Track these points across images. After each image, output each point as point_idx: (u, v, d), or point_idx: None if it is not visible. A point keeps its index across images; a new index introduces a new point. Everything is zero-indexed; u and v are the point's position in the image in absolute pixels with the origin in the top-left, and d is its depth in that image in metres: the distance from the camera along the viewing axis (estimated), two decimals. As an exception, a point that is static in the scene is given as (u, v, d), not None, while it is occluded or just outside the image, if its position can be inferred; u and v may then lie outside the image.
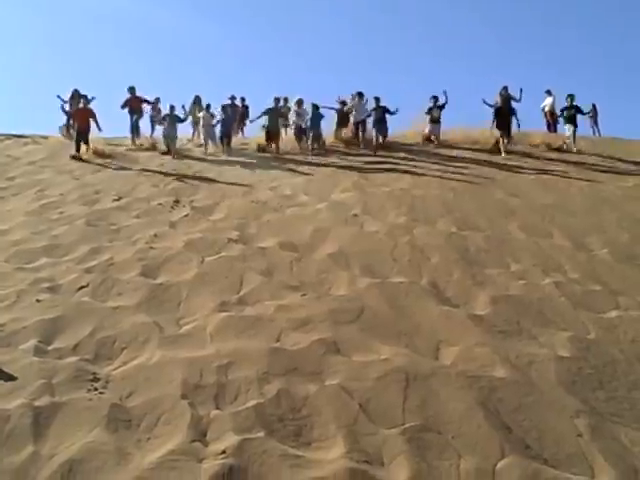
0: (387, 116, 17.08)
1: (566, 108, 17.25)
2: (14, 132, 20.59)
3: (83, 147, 16.27)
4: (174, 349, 5.44)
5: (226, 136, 16.75)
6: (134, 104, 18.10)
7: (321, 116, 17.19)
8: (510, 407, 4.47)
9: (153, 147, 17.31)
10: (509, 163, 15.03)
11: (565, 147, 16.88)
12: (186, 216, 10.43)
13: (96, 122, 16.34)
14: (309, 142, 16.72)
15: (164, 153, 16.49)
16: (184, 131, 18.37)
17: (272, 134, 16.82)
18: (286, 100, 18.62)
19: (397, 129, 18.10)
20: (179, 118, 16.95)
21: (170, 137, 16.59)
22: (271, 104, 17.56)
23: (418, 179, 13.23)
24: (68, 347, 5.59)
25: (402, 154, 16.00)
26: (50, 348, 5.58)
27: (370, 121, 17.48)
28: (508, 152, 16.09)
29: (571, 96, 17.12)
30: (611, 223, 10.15)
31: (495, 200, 11.54)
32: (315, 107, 17.09)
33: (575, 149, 16.58)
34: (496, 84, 16.78)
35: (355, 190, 12.15)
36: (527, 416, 4.36)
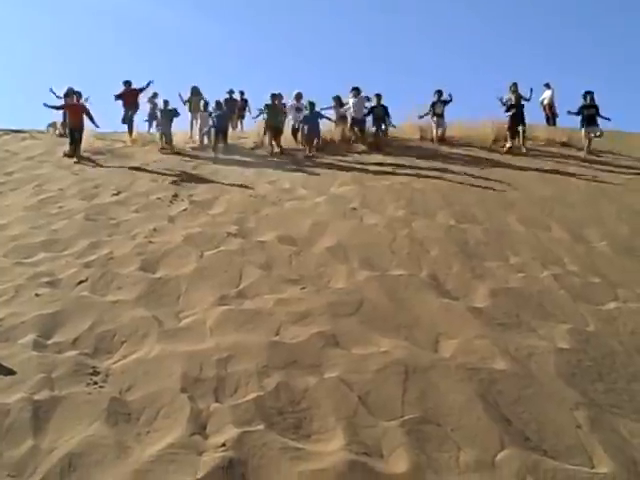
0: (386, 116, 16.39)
1: (585, 106, 15.48)
2: (12, 127, 20.54)
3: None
4: (173, 343, 5.44)
5: (221, 132, 16.01)
6: (129, 98, 17.36)
7: (319, 115, 16.16)
8: (510, 399, 4.47)
9: (149, 143, 16.95)
10: (509, 158, 14.92)
11: (586, 148, 15.34)
12: (185, 210, 10.41)
13: (90, 118, 15.73)
14: (305, 140, 15.85)
15: (161, 149, 16.13)
16: (183, 127, 17.99)
17: (272, 131, 15.89)
18: (281, 96, 17.58)
19: (394, 123, 17.60)
20: (174, 113, 16.56)
21: (165, 133, 16.23)
22: (268, 100, 16.61)
23: (417, 172, 13.20)
24: (67, 341, 5.59)
25: (400, 148, 15.88)
26: (49, 342, 5.58)
27: (369, 120, 16.63)
28: (517, 152, 15.28)
29: (590, 93, 15.52)
30: (610, 215, 10.15)
31: (494, 193, 11.53)
32: (312, 105, 16.04)
33: (587, 150, 15.29)
34: (494, 79, 16.54)
35: (354, 184, 12.12)
36: (527, 408, 4.36)
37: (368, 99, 16.65)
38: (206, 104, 16.87)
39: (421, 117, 16.87)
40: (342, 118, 16.98)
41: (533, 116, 17.18)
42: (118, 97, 17.32)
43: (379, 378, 4.72)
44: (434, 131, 16.87)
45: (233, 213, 10.11)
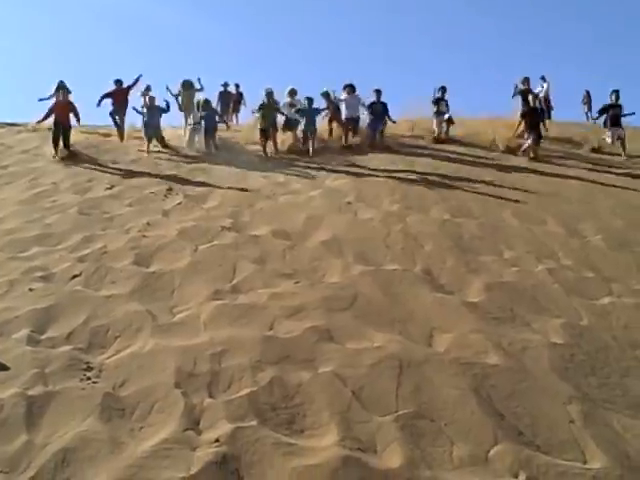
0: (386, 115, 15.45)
1: (611, 106, 14.76)
2: (8, 120, 20.43)
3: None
4: (167, 337, 5.43)
5: (210, 130, 15.25)
6: (119, 96, 16.41)
7: (317, 111, 15.29)
8: (503, 393, 4.48)
9: (141, 138, 16.33)
10: (507, 155, 14.81)
11: (612, 146, 14.66)
12: (179, 204, 10.39)
13: (76, 115, 15.10)
14: (301, 139, 15.08)
15: (149, 151, 15.16)
16: (171, 123, 17.51)
17: (268, 133, 14.78)
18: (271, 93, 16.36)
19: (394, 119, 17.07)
20: (162, 109, 15.74)
21: (152, 127, 15.37)
22: (264, 98, 15.46)
23: (413, 168, 13.19)
24: (61, 336, 5.58)
25: (395, 144, 15.71)
26: (43, 337, 5.57)
27: (364, 117, 15.68)
28: (535, 157, 14.14)
29: (616, 92, 14.76)
30: (605, 210, 10.16)
31: (489, 188, 11.52)
32: (310, 101, 15.17)
33: (624, 155, 14.44)
34: (494, 77, 16.30)
35: (349, 178, 12.11)
36: (520, 402, 4.38)
37: (363, 104, 15.64)
38: (199, 102, 15.96)
39: (440, 114, 15.90)
40: (335, 115, 15.98)
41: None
42: (107, 96, 16.47)
43: (373, 373, 4.72)
44: (436, 129, 16.01)
45: (227, 207, 10.08)
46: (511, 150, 14.83)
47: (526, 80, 16.26)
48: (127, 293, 6.53)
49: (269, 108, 15.13)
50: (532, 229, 8.93)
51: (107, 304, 6.24)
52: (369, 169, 12.94)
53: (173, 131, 16.92)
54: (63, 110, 14.97)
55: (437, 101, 15.97)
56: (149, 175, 12.71)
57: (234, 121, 20.06)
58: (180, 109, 16.56)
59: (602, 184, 12.03)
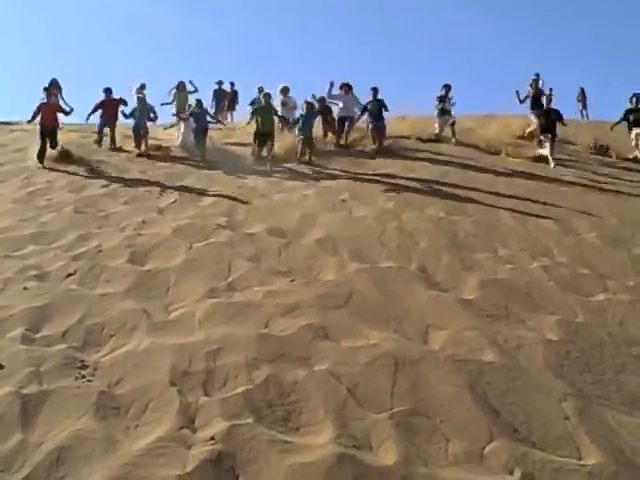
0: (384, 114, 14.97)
1: (631, 110, 14.48)
2: (1, 119, 20.40)
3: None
4: (162, 336, 5.42)
5: (201, 132, 14.79)
6: (109, 107, 15.60)
7: (315, 115, 14.70)
8: (498, 391, 4.48)
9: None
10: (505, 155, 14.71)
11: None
12: (174, 202, 10.39)
13: (64, 113, 14.81)
14: (299, 147, 13.95)
15: (138, 154, 14.80)
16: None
17: (266, 139, 14.02)
18: (260, 90, 16.55)
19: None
20: (150, 114, 15.32)
21: (142, 128, 14.93)
22: (260, 99, 15.29)
23: (407, 165, 13.19)
24: (56, 335, 5.55)
25: (394, 144, 15.53)
26: (38, 336, 5.55)
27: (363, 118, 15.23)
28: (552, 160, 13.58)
29: (637, 96, 14.39)
30: (600, 208, 10.18)
31: (485, 185, 11.54)
32: (309, 105, 14.50)
33: None
34: (494, 77, 16.10)
35: (343, 176, 12.12)
36: (515, 399, 4.38)
37: (359, 104, 15.24)
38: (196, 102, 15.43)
39: (444, 113, 15.68)
40: (326, 117, 15.49)
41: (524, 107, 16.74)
42: (98, 107, 15.63)
43: (368, 370, 4.72)
44: (437, 128, 15.79)
45: (222, 205, 10.08)
46: (508, 151, 14.72)
47: (534, 81, 15.99)
48: (122, 291, 6.52)
49: (267, 111, 14.36)
50: (526, 226, 8.95)
51: (102, 302, 6.22)
52: (364, 168, 12.95)
53: (167, 132, 16.67)
54: (50, 112, 14.38)
55: (441, 99, 15.70)
56: (144, 173, 12.70)
57: (229, 119, 20.04)
58: (176, 115, 16.28)
59: (597, 182, 12.06)
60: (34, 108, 14.35)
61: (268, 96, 14.71)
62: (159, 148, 15.36)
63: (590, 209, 10.08)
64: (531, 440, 3.91)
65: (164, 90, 17.22)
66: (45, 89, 15.16)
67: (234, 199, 10.47)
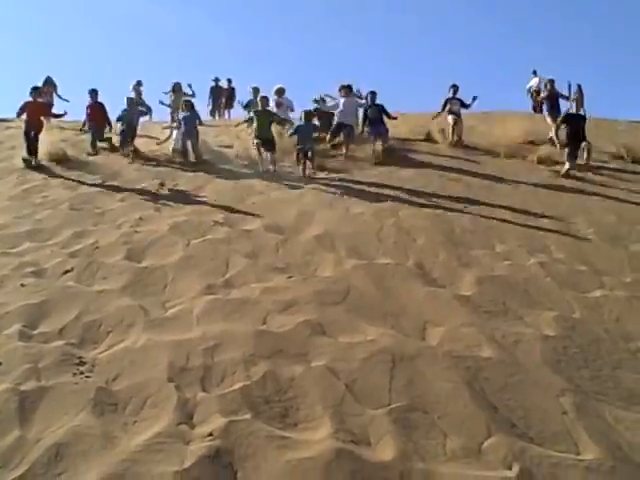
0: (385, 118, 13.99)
1: None
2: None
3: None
4: (160, 332, 5.41)
5: (188, 134, 13.94)
6: (95, 113, 14.44)
7: (315, 127, 13.85)
8: (496, 386, 4.49)
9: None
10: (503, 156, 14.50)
11: None
12: (171, 200, 10.37)
13: (54, 116, 14.53)
14: (300, 157, 12.49)
15: (130, 157, 14.14)
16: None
17: (266, 146, 12.91)
18: (255, 91, 15.96)
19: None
20: (141, 111, 14.95)
21: (131, 127, 14.21)
22: (256, 102, 14.27)
23: (405, 163, 13.19)
24: (53, 331, 5.55)
25: (393, 143, 15.43)
26: (35, 332, 5.54)
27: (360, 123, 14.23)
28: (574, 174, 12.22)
29: None
30: (597, 206, 10.19)
31: (482, 182, 11.54)
32: (307, 115, 13.33)
33: None
34: (494, 77, 15.79)
35: (341, 175, 12.11)
36: (513, 395, 4.38)
37: (360, 106, 14.41)
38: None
39: (434, 118, 15.22)
40: (325, 122, 14.72)
41: (524, 105, 16.44)
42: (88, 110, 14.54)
43: (366, 366, 4.72)
44: (448, 130, 15.06)
45: (219, 202, 10.07)
46: (508, 150, 14.33)
47: (550, 82, 15.24)
48: (119, 288, 6.51)
49: (265, 115, 13.31)
50: (524, 223, 8.96)
51: (99, 299, 6.22)
52: (364, 168, 12.92)
53: (164, 131, 16.39)
54: (34, 112, 13.49)
55: (447, 101, 15.11)
56: (140, 171, 12.67)
57: (226, 116, 20.01)
58: (171, 118, 16.12)
59: (592, 177, 12.07)
60: (20, 105, 13.51)
61: (265, 99, 13.77)
62: (156, 145, 15.17)
63: (588, 206, 10.09)
64: (529, 435, 3.92)
65: (164, 90, 17.19)
66: (34, 88, 13.80)
67: (231, 196, 10.46)
